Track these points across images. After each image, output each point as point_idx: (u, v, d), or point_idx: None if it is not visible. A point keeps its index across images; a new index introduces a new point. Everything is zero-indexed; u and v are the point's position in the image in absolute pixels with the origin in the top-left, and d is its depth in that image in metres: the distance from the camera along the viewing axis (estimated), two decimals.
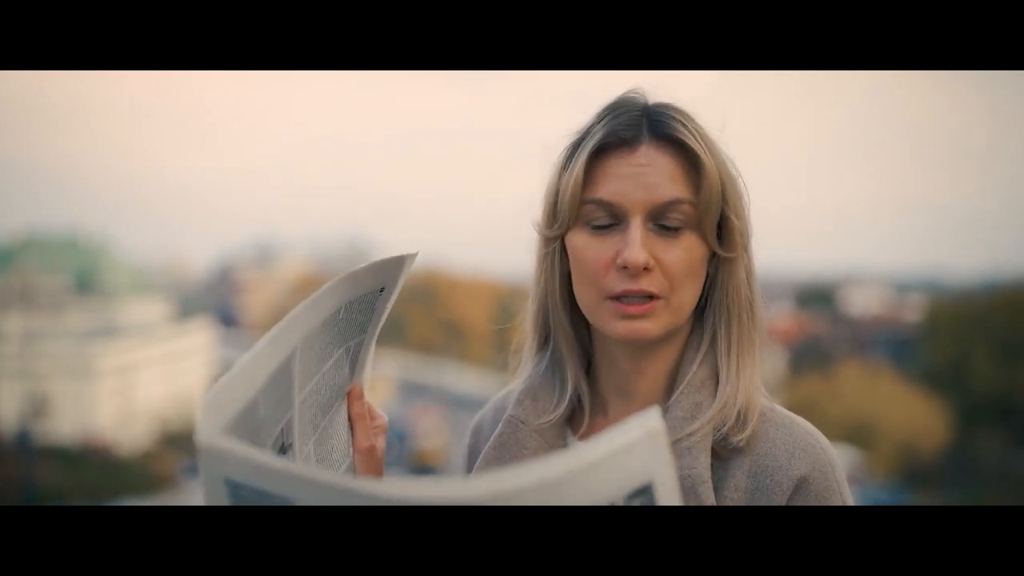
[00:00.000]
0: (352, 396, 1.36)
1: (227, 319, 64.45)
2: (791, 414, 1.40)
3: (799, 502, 1.32)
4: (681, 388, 1.38)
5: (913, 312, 52.63)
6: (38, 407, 34.71)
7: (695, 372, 1.39)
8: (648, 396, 1.42)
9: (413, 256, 1.31)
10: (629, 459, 0.87)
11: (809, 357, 42.82)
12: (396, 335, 53.09)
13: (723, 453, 1.34)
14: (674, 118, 1.37)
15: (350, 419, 1.37)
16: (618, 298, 1.34)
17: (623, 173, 1.35)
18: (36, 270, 40.33)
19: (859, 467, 29.07)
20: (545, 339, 1.48)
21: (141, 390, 40.18)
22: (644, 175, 1.35)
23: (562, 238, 1.41)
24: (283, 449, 1.16)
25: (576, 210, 1.37)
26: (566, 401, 1.45)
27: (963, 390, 37.37)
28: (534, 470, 0.85)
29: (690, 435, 1.34)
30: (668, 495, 0.89)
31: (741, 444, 1.33)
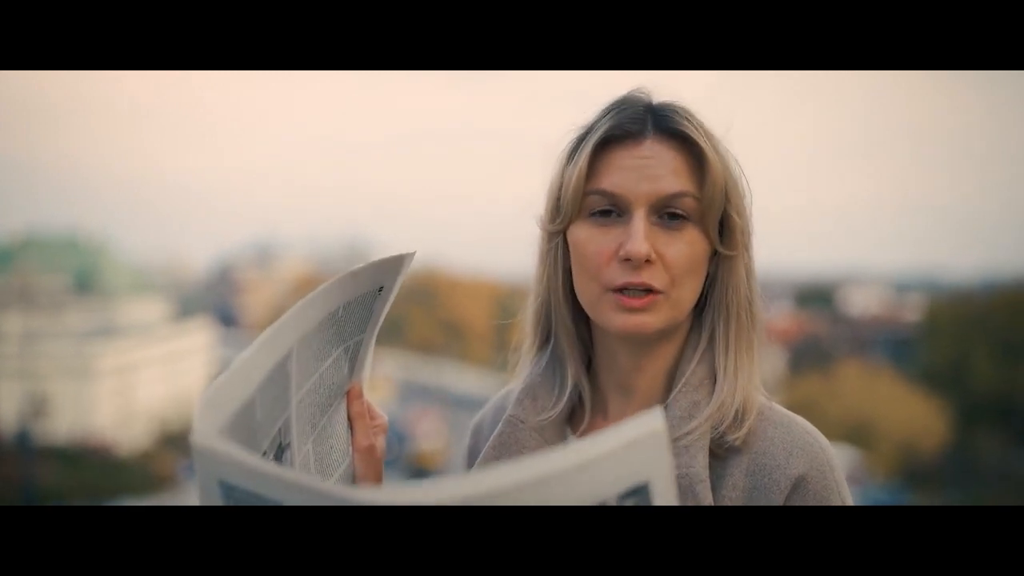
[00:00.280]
0: (351, 395, 1.36)
1: (227, 319, 64.45)
2: (790, 413, 1.40)
3: (797, 501, 1.32)
4: (679, 387, 1.38)
5: (912, 312, 52.63)
6: (38, 407, 34.70)
7: (693, 371, 1.39)
8: (647, 394, 1.42)
9: (411, 255, 1.31)
10: (628, 458, 0.87)
11: (809, 357, 42.82)
12: (396, 335, 53.07)
13: (720, 452, 1.34)
14: (679, 114, 1.38)
15: (349, 418, 1.37)
16: (619, 291, 1.35)
17: (627, 165, 1.36)
18: (36, 270, 40.31)
19: (859, 467, 29.07)
20: (546, 337, 1.48)
21: (141, 390, 40.17)
22: (648, 167, 1.35)
23: (564, 234, 1.41)
24: (281, 448, 1.16)
25: (579, 202, 1.38)
26: (565, 398, 1.45)
27: (963, 390, 37.36)
28: (530, 467, 0.85)
29: (688, 434, 1.34)
30: (664, 496, 0.89)
31: (737, 443, 1.34)
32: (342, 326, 1.26)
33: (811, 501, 1.32)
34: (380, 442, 1.40)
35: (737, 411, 1.35)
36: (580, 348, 1.46)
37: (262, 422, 1.09)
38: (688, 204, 1.35)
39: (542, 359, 1.48)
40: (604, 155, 1.37)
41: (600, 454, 0.86)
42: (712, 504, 1.31)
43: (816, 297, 60.67)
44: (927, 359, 41.90)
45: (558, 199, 1.40)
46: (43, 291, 39.80)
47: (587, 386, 1.46)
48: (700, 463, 1.32)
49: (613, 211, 1.36)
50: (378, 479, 1.40)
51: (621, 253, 1.34)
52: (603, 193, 1.36)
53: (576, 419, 1.47)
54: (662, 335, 1.40)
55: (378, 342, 1.39)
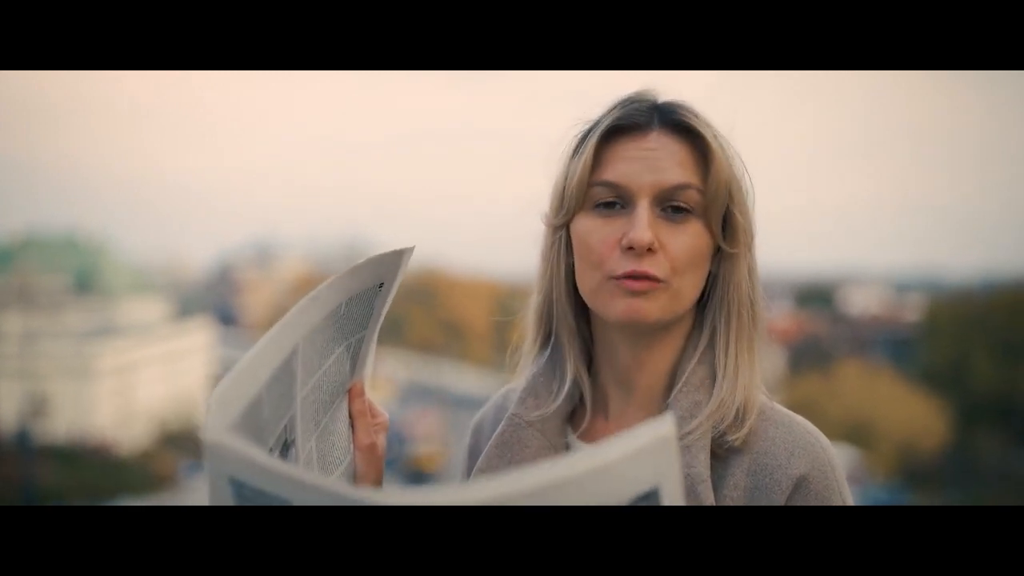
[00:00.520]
0: (353, 393, 1.36)
1: (226, 318, 64.45)
2: (791, 413, 1.40)
3: (798, 501, 1.32)
4: (680, 386, 1.38)
5: (912, 312, 52.66)
6: (37, 407, 34.70)
7: (694, 370, 1.39)
8: (648, 391, 1.42)
9: (411, 250, 1.32)
10: (639, 464, 0.87)
11: (809, 357, 42.84)
12: (396, 335, 53.08)
13: (721, 452, 1.34)
14: (686, 109, 1.40)
15: (351, 416, 1.37)
16: (621, 279, 1.35)
17: (632, 156, 1.37)
18: (35, 270, 40.31)
19: (858, 467, 29.07)
20: (547, 335, 1.48)
21: (140, 390, 40.18)
22: (653, 159, 1.36)
23: (567, 229, 1.42)
24: (286, 446, 1.16)
25: (584, 193, 1.38)
26: (564, 393, 1.45)
27: (962, 390, 37.37)
28: (541, 473, 0.85)
29: (689, 433, 1.34)
30: (673, 501, 0.89)
31: (738, 443, 1.34)
32: (344, 323, 1.26)
33: (812, 501, 1.32)
34: (381, 440, 1.40)
35: (738, 410, 1.35)
36: (581, 345, 1.46)
37: (268, 419, 1.10)
38: (692, 197, 1.36)
39: (543, 357, 1.48)
40: (609, 147, 1.38)
41: (611, 460, 0.86)
42: (714, 504, 1.31)
43: (816, 297, 60.70)
44: (927, 359, 41.92)
45: (563, 192, 1.41)
46: (43, 291, 39.81)
47: (588, 384, 1.46)
48: (702, 463, 1.32)
49: (617, 203, 1.37)
50: (379, 477, 1.40)
51: (624, 241, 1.34)
52: (608, 184, 1.37)
53: (577, 418, 1.47)
54: (661, 329, 1.40)
55: (378, 342, 1.39)
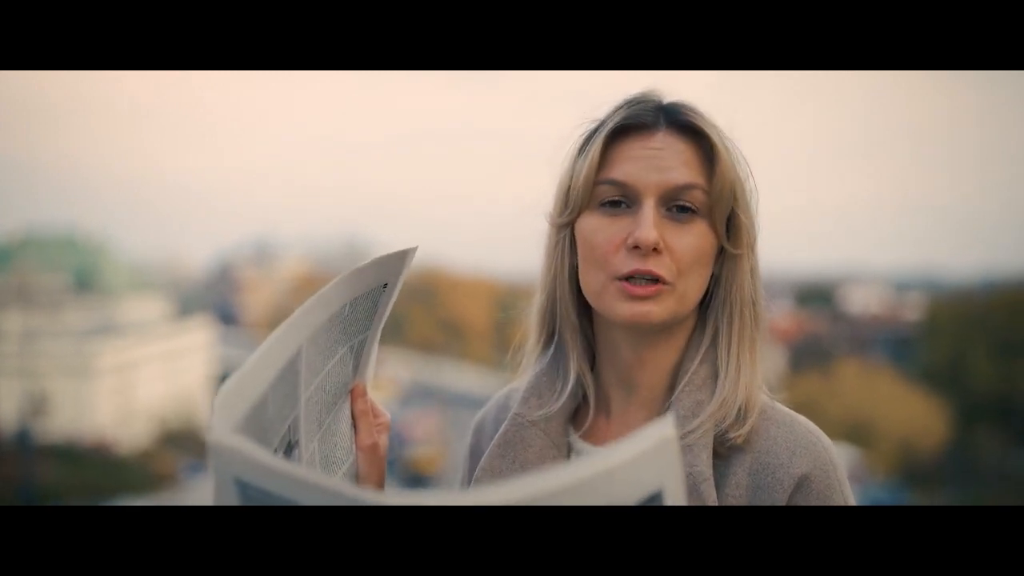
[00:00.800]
0: (355, 393, 1.36)
1: (226, 317, 64.43)
2: (792, 412, 1.40)
3: (800, 500, 1.32)
4: (682, 385, 1.38)
5: (912, 311, 52.68)
6: (37, 406, 34.69)
7: (696, 370, 1.39)
8: (650, 390, 1.43)
9: (414, 251, 1.32)
10: (643, 467, 0.87)
11: (808, 356, 42.83)
12: (396, 334, 53.09)
13: (723, 451, 1.35)
14: (691, 110, 1.40)
15: (353, 416, 1.37)
16: (626, 279, 1.35)
17: (638, 155, 1.37)
18: (35, 269, 40.31)
19: (858, 466, 29.07)
20: (550, 334, 1.48)
21: (140, 388, 40.18)
22: (659, 158, 1.37)
23: (572, 229, 1.42)
24: (290, 446, 1.16)
25: (590, 192, 1.38)
26: (567, 392, 1.45)
27: (962, 389, 37.38)
28: (545, 479, 0.85)
29: (691, 432, 1.34)
30: (675, 503, 0.89)
31: (740, 441, 1.34)
32: (348, 324, 1.27)
33: (814, 500, 1.32)
34: (383, 441, 1.40)
35: (740, 409, 1.36)
36: (583, 344, 1.46)
37: (273, 420, 1.10)
38: (697, 197, 1.36)
39: (546, 356, 1.48)
40: (616, 146, 1.39)
41: (614, 465, 0.86)
42: (716, 503, 1.31)
43: (816, 296, 60.71)
44: (927, 358, 41.93)
45: (568, 191, 1.41)
46: (42, 290, 39.80)
47: (590, 383, 1.46)
48: (704, 462, 1.32)
49: (623, 202, 1.37)
50: (381, 478, 1.40)
51: (630, 241, 1.34)
52: (614, 183, 1.37)
53: (579, 418, 1.47)
54: (664, 329, 1.40)
55: (379, 341, 1.39)
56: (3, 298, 38.32)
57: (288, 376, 1.13)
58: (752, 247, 1.42)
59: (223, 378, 1.03)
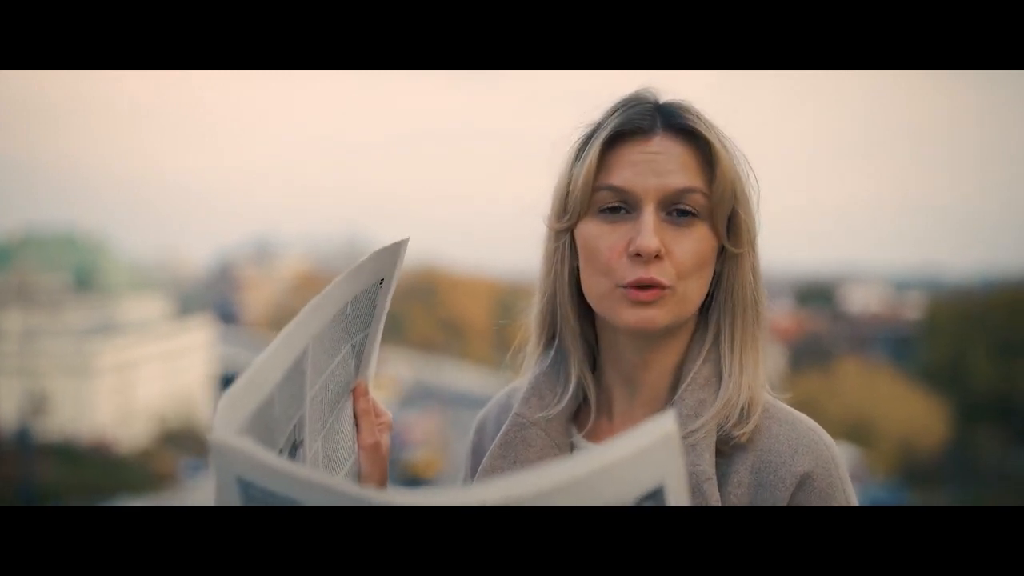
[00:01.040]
0: (357, 392, 1.36)
1: (226, 316, 64.40)
2: (793, 411, 1.40)
3: (802, 498, 1.32)
4: (685, 384, 1.38)
5: (912, 310, 52.68)
6: (37, 405, 34.68)
7: (699, 369, 1.39)
8: (652, 390, 1.43)
9: (406, 242, 1.32)
10: (644, 462, 0.87)
11: (809, 355, 42.82)
12: (396, 333, 53.07)
13: (725, 449, 1.35)
14: (688, 111, 1.39)
15: (355, 415, 1.37)
16: (629, 287, 1.35)
17: (636, 160, 1.37)
18: (35, 268, 40.28)
19: (858, 465, 29.07)
20: (551, 336, 1.48)
21: (140, 387, 40.16)
22: (658, 162, 1.36)
23: (571, 232, 1.42)
24: (295, 446, 1.17)
25: (588, 198, 1.38)
26: (569, 394, 1.45)
27: (962, 388, 37.37)
28: (548, 474, 0.85)
29: (694, 432, 1.34)
30: (678, 497, 0.89)
31: (743, 440, 1.34)
32: (349, 322, 1.27)
33: (816, 498, 1.32)
34: (385, 440, 1.40)
35: (743, 408, 1.36)
36: (584, 347, 1.46)
37: (279, 419, 1.10)
38: (697, 200, 1.36)
39: (547, 357, 1.48)
40: (613, 151, 1.38)
41: (616, 460, 0.86)
42: (719, 503, 1.31)
43: (816, 295, 60.69)
44: (927, 357, 41.92)
45: (566, 197, 1.41)
46: (42, 289, 39.78)
47: (592, 384, 1.46)
48: (707, 461, 1.32)
49: (622, 208, 1.37)
50: (383, 477, 1.40)
51: (631, 248, 1.34)
52: (612, 188, 1.37)
53: (581, 418, 1.47)
54: (668, 331, 1.40)
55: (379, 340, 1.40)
56: (3, 297, 38.30)
57: (294, 376, 1.13)
58: (753, 245, 1.42)
59: (225, 377, 1.03)
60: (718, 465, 1.34)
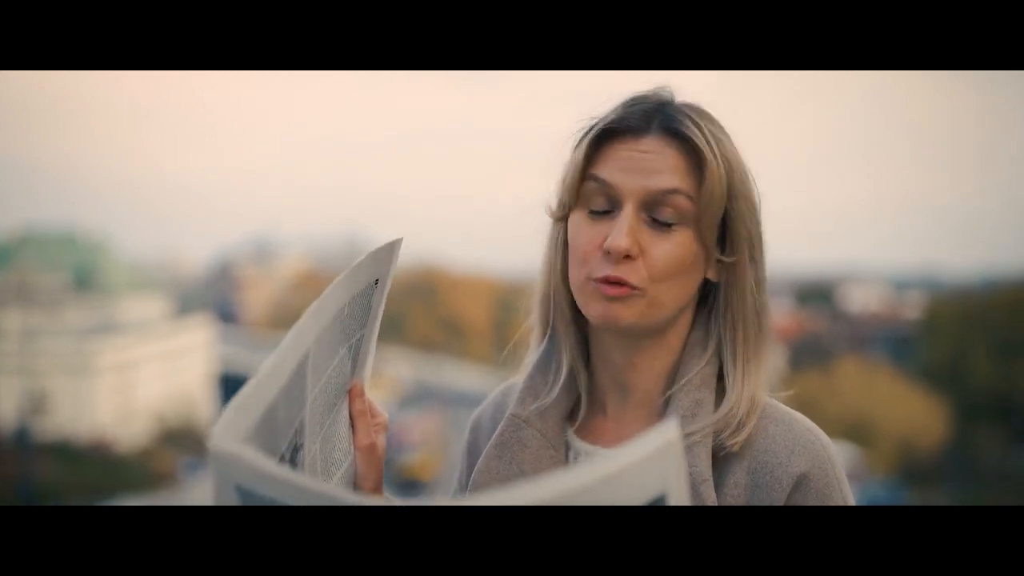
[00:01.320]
0: (353, 393, 1.36)
1: (226, 316, 64.34)
2: (791, 411, 1.40)
3: (799, 499, 1.32)
4: (681, 384, 1.38)
5: (912, 309, 52.69)
6: (37, 404, 34.69)
7: (697, 372, 1.39)
8: (645, 393, 1.43)
9: (400, 242, 1.33)
10: (646, 470, 0.87)
11: (808, 354, 42.80)
12: (396, 333, 53.08)
13: (718, 453, 1.35)
14: (689, 116, 1.38)
15: (351, 416, 1.37)
16: (599, 281, 1.35)
17: (623, 156, 1.37)
18: (35, 267, 40.28)
19: (858, 464, 29.08)
20: (550, 328, 1.49)
21: (140, 387, 40.16)
22: (645, 161, 1.36)
23: (567, 222, 1.42)
24: (296, 449, 1.17)
25: (577, 189, 1.39)
26: (561, 382, 1.45)
27: (961, 387, 37.38)
28: (549, 485, 0.85)
29: (691, 434, 1.34)
30: (679, 504, 0.89)
31: (735, 449, 1.34)
32: (347, 324, 1.27)
33: (812, 499, 1.32)
34: (381, 441, 1.40)
35: (740, 419, 1.36)
36: (577, 335, 1.46)
37: (282, 424, 1.10)
38: (681, 203, 1.35)
39: (541, 348, 1.49)
40: (605, 146, 1.38)
41: (618, 470, 0.86)
42: (715, 504, 1.31)
43: (816, 295, 60.68)
44: (926, 357, 41.92)
45: (561, 187, 1.42)
46: (42, 288, 39.78)
47: (584, 379, 1.46)
48: (703, 462, 1.32)
49: (611, 210, 1.37)
50: (379, 478, 1.40)
51: (604, 245, 1.35)
52: (597, 180, 1.37)
53: (576, 416, 1.47)
54: (653, 333, 1.40)
55: (378, 340, 1.40)
56: (3, 296, 38.30)
57: (297, 380, 1.13)
58: (754, 258, 1.40)
59: (224, 377, 1.03)
60: (715, 466, 1.34)
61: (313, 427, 1.22)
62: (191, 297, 62.76)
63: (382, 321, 1.37)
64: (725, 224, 1.38)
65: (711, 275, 1.40)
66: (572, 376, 1.46)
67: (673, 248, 1.35)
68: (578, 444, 1.45)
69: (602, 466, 0.85)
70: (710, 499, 1.31)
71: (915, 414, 36.12)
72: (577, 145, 1.41)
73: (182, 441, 36.26)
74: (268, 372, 1.05)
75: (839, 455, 1.38)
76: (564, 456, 1.45)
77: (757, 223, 1.40)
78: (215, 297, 69.07)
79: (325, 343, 1.21)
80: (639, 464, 0.86)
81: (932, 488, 33.81)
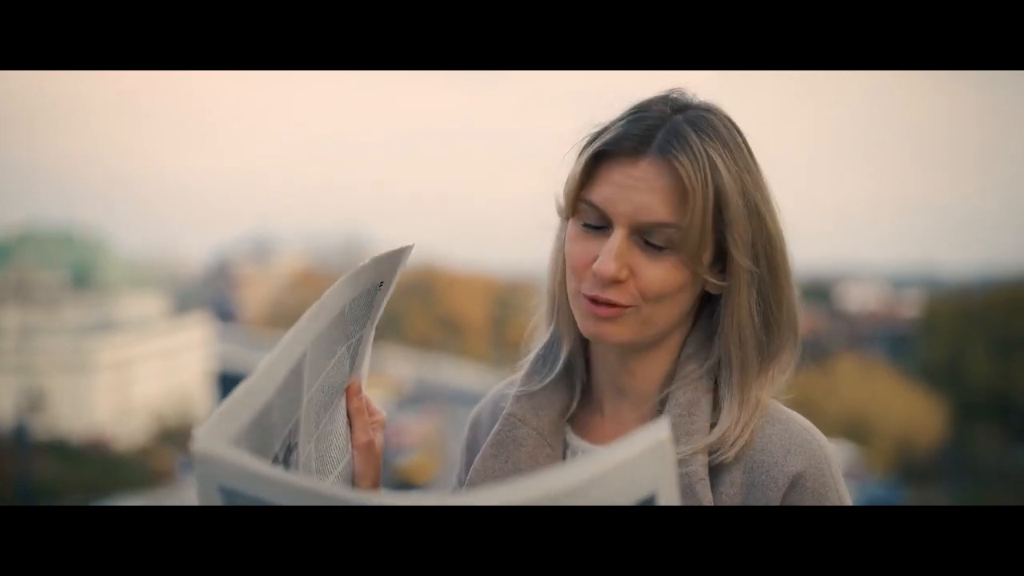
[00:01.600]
0: (350, 391, 1.36)
1: (224, 314, 64.27)
2: (787, 410, 1.40)
3: (795, 498, 1.32)
4: (678, 383, 1.39)
5: (910, 308, 52.68)
6: (35, 402, 34.66)
7: (695, 372, 1.39)
8: (642, 396, 1.43)
9: (410, 249, 1.33)
10: (636, 470, 0.87)
11: (806, 352, 42.43)
12: (394, 331, 53.07)
13: (711, 460, 1.35)
14: (690, 136, 1.34)
15: (348, 415, 1.37)
16: (588, 298, 1.36)
17: (616, 181, 1.35)
18: (33, 265, 40.23)
19: (856, 463, 29.07)
20: (555, 322, 1.49)
21: (138, 385, 40.12)
22: (636, 188, 1.33)
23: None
24: (289, 449, 1.17)
25: (572, 206, 1.39)
26: (557, 370, 1.45)
27: (960, 386, 37.37)
28: (539, 483, 0.85)
29: (689, 436, 1.34)
30: (669, 504, 0.89)
31: (727, 461, 1.34)
32: (347, 324, 1.27)
33: (808, 499, 1.32)
34: (378, 438, 1.40)
35: (733, 440, 1.35)
36: (578, 333, 1.45)
37: (276, 424, 1.10)
38: (670, 234, 1.33)
39: (542, 343, 1.49)
40: (603, 163, 1.37)
41: (609, 468, 0.86)
42: (711, 503, 1.31)
43: (814, 293, 60.59)
44: (925, 355, 41.92)
45: (563, 193, 1.42)
46: (40, 286, 39.74)
47: (582, 375, 1.47)
48: (699, 462, 1.33)
49: (604, 226, 1.36)
50: (377, 476, 1.40)
51: (593, 267, 1.34)
52: (591, 204, 1.36)
53: (574, 415, 1.48)
54: (648, 345, 1.40)
55: (376, 338, 1.40)
56: (1, 294, 38.27)
57: (293, 381, 1.13)
58: (752, 284, 1.37)
59: (222, 375, 1.03)
60: (711, 466, 1.34)
61: (308, 426, 1.22)
62: (189, 295, 62.72)
63: (379, 320, 1.38)
64: (722, 250, 1.36)
65: (710, 289, 1.39)
66: (569, 371, 1.46)
67: (663, 272, 1.34)
68: (576, 442, 1.46)
69: (590, 465, 0.85)
70: (706, 499, 1.31)
71: (913, 413, 36.12)
72: (578, 157, 1.39)
73: (180, 439, 36.19)
74: (263, 373, 1.06)
75: (836, 455, 1.38)
76: (561, 454, 1.46)
77: (765, 245, 1.38)
78: (213, 295, 69.00)
79: (323, 344, 1.21)
80: (629, 463, 0.86)
81: (930, 486, 33.82)
